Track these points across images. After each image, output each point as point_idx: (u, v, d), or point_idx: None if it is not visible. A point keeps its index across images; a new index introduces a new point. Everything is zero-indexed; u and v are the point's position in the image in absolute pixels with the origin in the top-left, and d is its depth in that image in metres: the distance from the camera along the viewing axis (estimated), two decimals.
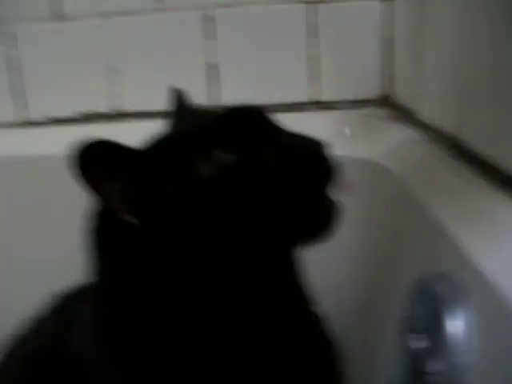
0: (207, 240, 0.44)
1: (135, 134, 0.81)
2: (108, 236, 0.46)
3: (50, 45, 0.98)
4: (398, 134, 0.78)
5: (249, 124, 0.46)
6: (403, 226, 0.63)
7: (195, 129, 0.47)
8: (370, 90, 0.92)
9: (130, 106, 0.99)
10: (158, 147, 0.48)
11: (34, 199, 0.94)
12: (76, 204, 0.84)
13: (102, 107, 0.98)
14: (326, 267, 0.67)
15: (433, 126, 0.72)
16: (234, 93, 0.94)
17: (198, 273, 0.44)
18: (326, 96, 0.94)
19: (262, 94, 0.91)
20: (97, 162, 0.43)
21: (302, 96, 0.94)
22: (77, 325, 0.55)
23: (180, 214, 0.44)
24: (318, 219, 0.45)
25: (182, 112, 0.55)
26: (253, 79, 0.94)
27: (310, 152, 0.45)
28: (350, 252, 0.75)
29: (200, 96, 0.89)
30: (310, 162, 0.45)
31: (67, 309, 0.62)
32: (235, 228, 0.43)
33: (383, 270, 0.68)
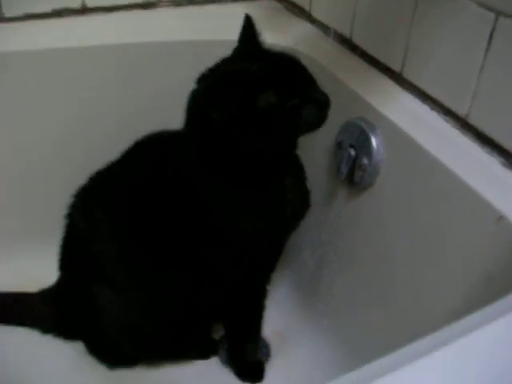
0: (261, 137, 0.81)
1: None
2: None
3: None
4: (298, 26, 1.21)
5: (292, 74, 0.83)
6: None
7: (258, 69, 0.80)
8: None
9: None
10: (230, 77, 0.80)
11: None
12: (56, 98, 1.10)
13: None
14: None
15: (324, 23, 1.17)
16: None
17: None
18: None
19: None
20: None
21: None
22: (167, 161, 0.89)
23: (241, 125, 0.79)
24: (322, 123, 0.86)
25: (248, 42, 0.87)
26: None
27: (323, 99, 0.85)
28: None
29: None
30: (323, 104, 0.85)
31: (146, 150, 0.95)
32: (278, 135, 0.82)
33: None
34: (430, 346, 0.55)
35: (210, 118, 0.80)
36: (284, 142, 0.85)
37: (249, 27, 0.88)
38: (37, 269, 1.09)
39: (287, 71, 0.84)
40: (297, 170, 0.95)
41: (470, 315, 0.59)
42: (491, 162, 0.85)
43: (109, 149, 0.96)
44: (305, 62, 1.03)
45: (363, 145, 0.97)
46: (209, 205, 0.87)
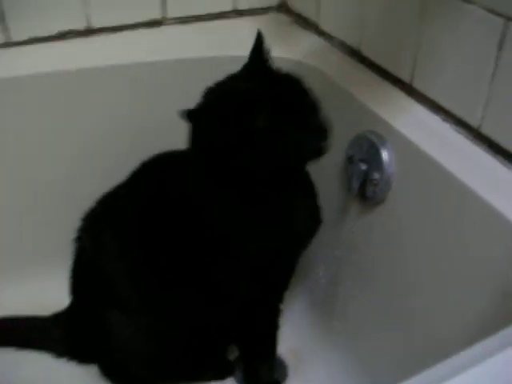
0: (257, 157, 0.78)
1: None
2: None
3: None
4: (306, 39, 1.20)
5: (291, 98, 0.79)
6: (335, 107, 1.05)
7: (256, 90, 0.79)
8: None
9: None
10: (231, 96, 0.79)
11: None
12: (64, 121, 1.09)
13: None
14: None
15: (333, 35, 1.15)
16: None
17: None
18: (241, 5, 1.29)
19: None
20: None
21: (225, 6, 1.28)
22: (175, 180, 0.88)
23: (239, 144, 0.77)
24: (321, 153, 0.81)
25: (257, 60, 0.85)
26: None
27: (321, 127, 0.80)
28: None
29: None
30: (320, 133, 0.80)
31: (153, 171, 0.95)
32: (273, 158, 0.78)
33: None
34: (446, 371, 0.52)
35: (206, 138, 0.79)
36: (280, 165, 0.81)
37: (259, 45, 0.86)
38: (49, 293, 1.09)
39: (286, 95, 0.80)
40: (307, 187, 0.93)
41: (487, 338, 0.56)
42: (506, 174, 0.82)
43: (119, 171, 0.95)
44: (313, 75, 1.02)
45: (374, 159, 0.95)
46: (216, 224, 0.85)
